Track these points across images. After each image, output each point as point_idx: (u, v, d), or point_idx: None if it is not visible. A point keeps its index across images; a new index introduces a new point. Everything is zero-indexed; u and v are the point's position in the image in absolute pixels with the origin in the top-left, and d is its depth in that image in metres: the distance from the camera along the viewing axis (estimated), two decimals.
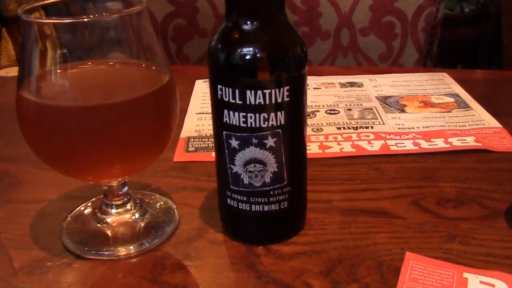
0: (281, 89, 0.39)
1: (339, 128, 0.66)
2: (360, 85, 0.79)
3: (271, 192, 0.43)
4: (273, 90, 0.39)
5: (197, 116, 0.70)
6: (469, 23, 2.28)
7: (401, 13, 0.92)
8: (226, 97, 0.40)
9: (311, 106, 0.72)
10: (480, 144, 0.60)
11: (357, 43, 0.95)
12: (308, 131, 0.65)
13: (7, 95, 0.79)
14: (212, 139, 0.62)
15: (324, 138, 0.63)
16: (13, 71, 0.87)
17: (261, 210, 0.43)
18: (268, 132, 0.40)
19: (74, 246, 0.45)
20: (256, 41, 0.39)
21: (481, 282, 0.40)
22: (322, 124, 0.67)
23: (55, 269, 0.43)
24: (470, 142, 0.61)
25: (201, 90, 0.79)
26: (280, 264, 0.43)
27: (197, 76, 0.82)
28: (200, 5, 0.94)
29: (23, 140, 0.65)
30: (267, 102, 0.39)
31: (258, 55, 0.39)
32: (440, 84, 0.79)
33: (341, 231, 0.47)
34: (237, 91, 0.39)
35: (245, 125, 0.40)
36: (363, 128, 0.65)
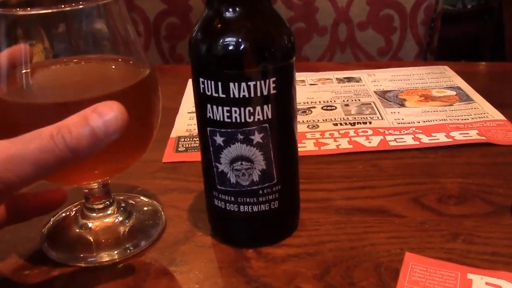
0: (267, 80, 0.37)
1: (335, 124, 0.63)
2: (358, 80, 0.76)
3: (260, 192, 0.40)
4: (258, 82, 0.37)
5: (189, 115, 0.68)
6: (471, 19, 2.24)
7: (400, 6, 0.89)
8: (208, 91, 0.37)
9: (307, 103, 0.69)
10: (483, 138, 0.58)
11: (355, 38, 0.93)
12: (304, 128, 0.62)
13: None
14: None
15: (320, 135, 0.60)
16: None
17: (250, 210, 0.40)
18: (254, 127, 0.38)
19: (55, 253, 0.43)
20: (238, 29, 0.37)
21: (486, 283, 0.37)
22: (318, 120, 0.64)
23: (34, 278, 0.41)
24: (473, 135, 0.58)
25: None
26: (272, 268, 0.40)
27: (190, 76, 0.79)
28: (193, 2, 0.91)
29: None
30: (252, 95, 0.37)
31: (241, 45, 0.36)
32: (441, 77, 0.76)
33: (336, 231, 0.44)
34: (219, 83, 0.37)
35: (229, 120, 0.37)
36: (360, 123, 0.63)
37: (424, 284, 0.37)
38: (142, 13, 0.91)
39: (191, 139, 0.61)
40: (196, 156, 0.56)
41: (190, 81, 0.78)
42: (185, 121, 0.66)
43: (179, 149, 0.59)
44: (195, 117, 0.66)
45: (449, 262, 0.39)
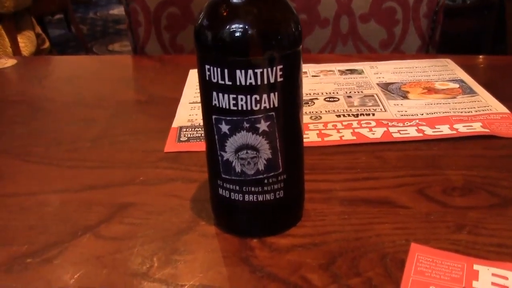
0: (274, 68, 0.36)
1: (338, 116, 0.62)
2: (360, 72, 0.76)
3: (265, 181, 0.39)
4: (265, 70, 0.36)
5: (190, 105, 0.67)
6: (471, 14, 2.24)
7: None
8: (214, 78, 0.37)
9: (309, 94, 0.69)
10: (487, 130, 0.57)
11: (357, 30, 0.92)
12: (306, 119, 0.61)
13: None
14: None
15: (323, 126, 0.60)
16: (1, 64, 0.84)
17: (255, 200, 0.40)
18: (260, 116, 0.37)
19: None
20: (246, 16, 0.36)
21: (493, 274, 0.37)
22: (321, 112, 0.64)
23: (35, 266, 0.40)
24: (477, 128, 0.58)
25: (195, 79, 0.75)
26: (276, 258, 0.40)
27: (191, 66, 0.79)
28: None
29: (6, 132, 0.63)
30: (259, 82, 0.36)
31: (248, 31, 0.36)
32: (444, 70, 0.75)
33: (341, 222, 0.44)
34: (226, 71, 0.36)
35: (235, 108, 0.37)
36: (364, 115, 0.62)
37: (430, 275, 0.37)
38: (142, 3, 0.90)
39: (193, 129, 0.60)
40: (198, 146, 0.56)
41: (191, 71, 0.77)
42: (187, 111, 0.65)
43: (181, 139, 0.58)
44: (196, 107, 0.66)
45: (455, 253, 0.39)
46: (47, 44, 2.39)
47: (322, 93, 0.69)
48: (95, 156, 0.56)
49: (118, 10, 4.09)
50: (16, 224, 0.45)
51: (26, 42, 2.17)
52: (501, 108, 0.63)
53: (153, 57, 0.91)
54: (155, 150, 0.56)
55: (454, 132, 0.57)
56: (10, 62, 0.85)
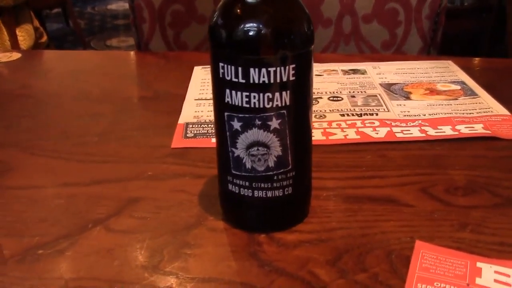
0: (287, 67, 0.37)
1: (342, 115, 0.63)
2: (363, 72, 0.77)
3: (275, 177, 0.40)
4: (278, 68, 0.37)
5: (196, 102, 0.68)
6: (469, 16, 2.26)
7: (405, 0, 0.89)
8: (228, 76, 0.38)
9: (314, 93, 0.69)
10: (489, 132, 0.58)
11: (360, 30, 0.93)
12: None
13: None
14: (212, 125, 0.60)
15: (327, 125, 0.61)
16: (6, 57, 0.84)
17: (264, 196, 0.41)
18: (272, 113, 0.38)
19: None
20: (260, 15, 0.37)
21: (495, 272, 0.38)
22: (325, 110, 0.65)
23: (47, 257, 0.41)
24: (478, 129, 0.59)
25: (200, 76, 0.76)
26: (284, 253, 0.41)
27: (195, 63, 0.79)
28: None
29: (14, 125, 0.63)
30: (272, 81, 0.37)
31: (262, 31, 0.37)
32: (446, 72, 0.76)
33: (347, 219, 0.45)
34: (240, 69, 0.37)
35: (248, 106, 0.38)
36: (367, 115, 0.63)
37: (435, 271, 0.38)
38: (147, 0, 0.90)
39: (199, 126, 0.61)
40: (205, 142, 0.57)
41: (195, 68, 0.78)
42: (193, 108, 0.66)
43: (187, 135, 0.59)
44: (202, 104, 0.67)
45: (458, 251, 0.40)
46: (45, 38, 2.39)
47: (326, 92, 0.70)
48: (103, 150, 0.57)
49: (116, 5, 4.09)
50: (27, 216, 0.46)
51: (24, 35, 2.17)
52: (502, 110, 0.64)
53: (158, 53, 0.91)
54: (162, 146, 0.57)
55: (456, 133, 0.58)
56: (14, 55, 0.86)
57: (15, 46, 2.09)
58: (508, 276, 0.38)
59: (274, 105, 0.38)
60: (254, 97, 0.37)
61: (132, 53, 0.96)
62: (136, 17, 0.91)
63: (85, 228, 0.44)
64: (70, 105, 0.69)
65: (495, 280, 0.37)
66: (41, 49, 2.28)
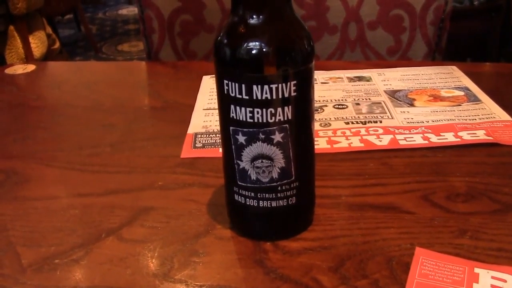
0: (288, 83, 0.39)
1: (347, 123, 0.65)
2: (368, 79, 0.78)
3: (279, 188, 0.42)
4: (280, 85, 0.39)
5: (204, 112, 0.70)
6: (478, 16, 2.25)
7: (409, 6, 0.91)
8: (232, 92, 0.40)
9: (319, 101, 0.71)
10: (490, 138, 0.60)
11: (365, 37, 0.94)
12: (316, 126, 0.64)
13: (14, 93, 0.80)
14: (220, 135, 0.62)
15: (332, 133, 0.63)
16: (21, 69, 0.87)
17: (268, 206, 0.43)
18: (275, 127, 0.40)
19: None
20: (262, 35, 0.39)
21: (492, 277, 0.40)
22: (330, 119, 0.66)
23: (63, 266, 0.43)
24: (480, 135, 0.60)
25: (208, 86, 0.78)
26: (288, 260, 0.42)
27: (204, 72, 0.82)
28: (207, 0, 0.93)
29: (30, 137, 0.66)
30: (274, 97, 0.39)
31: (264, 49, 0.39)
32: (449, 78, 0.78)
33: (349, 226, 0.46)
34: (243, 86, 0.39)
35: (252, 120, 0.40)
36: (371, 122, 0.65)
37: (434, 277, 0.40)
38: (157, 10, 0.93)
39: (207, 136, 0.63)
40: (213, 152, 0.59)
41: (204, 78, 0.80)
42: (201, 118, 0.68)
43: (196, 145, 0.61)
44: (210, 114, 0.69)
45: (457, 257, 0.42)
46: (57, 45, 2.43)
47: (331, 100, 0.72)
48: (115, 160, 0.59)
49: (127, 10, 4.13)
50: (44, 226, 0.48)
51: (37, 43, 2.20)
52: (505, 116, 0.65)
53: (167, 63, 0.93)
54: (172, 156, 0.59)
55: (459, 139, 0.60)
56: (29, 67, 0.88)
57: (28, 53, 2.13)
58: (505, 281, 0.39)
59: (277, 120, 0.40)
60: (258, 112, 0.39)
61: (142, 63, 0.98)
62: (146, 27, 0.94)
63: (98, 237, 0.46)
64: (84, 116, 0.72)
65: (492, 286, 0.39)
66: (54, 56, 2.32)
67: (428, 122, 0.64)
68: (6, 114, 0.72)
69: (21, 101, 0.76)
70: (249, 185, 0.42)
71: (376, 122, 0.65)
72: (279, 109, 0.39)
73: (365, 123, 0.65)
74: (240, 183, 0.43)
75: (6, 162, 0.60)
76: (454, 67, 0.81)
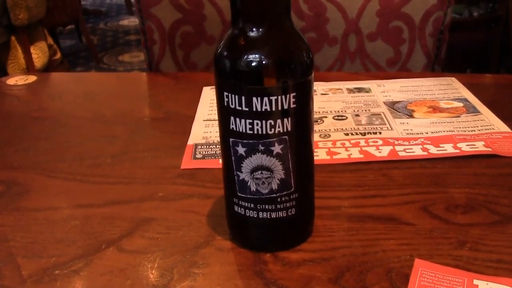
0: (288, 95, 0.39)
1: (347, 134, 0.65)
2: (368, 90, 0.79)
3: (278, 199, 0.42)
4: (279, 97, 0.39)
5: (205, 123, 0.70)
6: (477, 28, 2.26)
7: (409, 18, 0.91)
8: (232, 104, 0.40)
9: (319, 112, 0.72)
10: (489, 149, 0.60)
11: (365, 48, 0.95)
12: (316, 137, 0.64)
13: (15, 104, 0.81)
14: (220, 146, 0.62)
15: (332, 144, 0.63)
16: (22, 80, 0.88)
17: (268, 217, 0.43)
18: (274, 139, 0.40)
19: None
20: (261, 47, 0.39)
21: None
22: (330, 130, 0.67)
23: (63, 277, 0.43)
24: (479, 147, 0.61)
25: (209, 97, 0.79)
26: (288, 272, 0.42)
27: (204, 83, 0.82)
28: (207, 12, 0.94)
29: (31, 148, 0.66)
30: (274, 108, 0.39)
31: (263, 62, 0.39)
32: (449, 89, 0.78)
33: (349, 238, 0.46)
34: (243, 98, 0.39)
35: (251, 132, 0.40)
36: (371, 133, 0.65)
37: None
38: (157, 22, 0.93)
39: (207, 147, 0.63)
40: (213, 163, 0.59)
41: (204, 89, 0.81)
42: (201, 129, 0.68)
43: (196, 156, 0.61)
44: (210, 125, 0.69)
45: (456, 269, 0.42)
46: (58, 55, 2.44)
47: (331, 111, 0.72)
48: (116, 171, 0.59)
49: (128, 21, 4.15)
50: (44, 237, 0.48)
51: (39, 53, 2.21)
52: (503, 127, 0.65)
53: (168, 74, 0.94)
54: (172, 167, 0.59)
55: (458, 151, 0.60)
56: (30, 78, 0.89)
57: (29, 64, 2.13)
58: None
59: (276, 132, 0.40)
60: (257, 124, 0.40)
61: (143, 74, 0.99)
62: (147, 39, 0.94)
63: (99, 248, 0.46)
64: (85, 126, 0.72)
65: None
66: (55, 66, 2.33)
67: (427, 133, 0.65)
68: (7, 124, 0.72)
69: (22, 112, 0.77)
70: (248, 196, 0.43)
71: (375, 133, 0.65)
72: (279, 121, 0.40)
73: (365, 134, 0.65)
74: (240, 194, 0.43)
75: (7, 172, 0.60)
76: (453, 79, 0.82)
